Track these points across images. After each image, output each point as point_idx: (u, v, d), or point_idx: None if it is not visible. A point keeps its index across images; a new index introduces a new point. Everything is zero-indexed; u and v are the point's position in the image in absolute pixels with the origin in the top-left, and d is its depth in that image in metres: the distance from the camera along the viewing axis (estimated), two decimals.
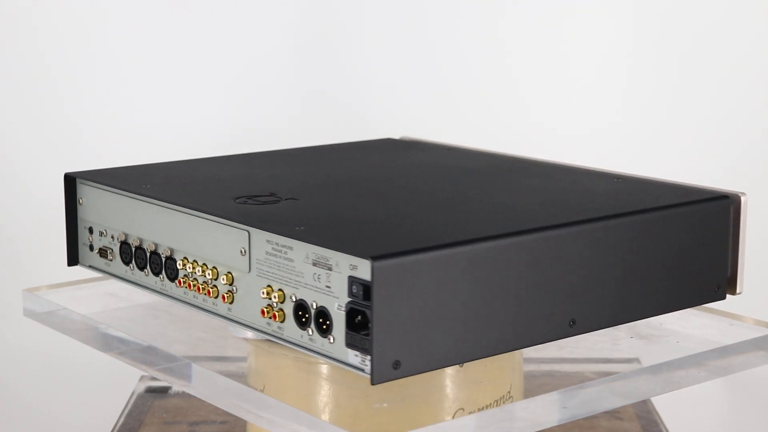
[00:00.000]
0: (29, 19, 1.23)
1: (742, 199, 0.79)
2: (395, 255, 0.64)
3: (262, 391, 0.76)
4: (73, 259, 0.85)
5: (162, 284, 0.78)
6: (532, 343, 0.71)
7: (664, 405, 1.05)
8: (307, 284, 0.68)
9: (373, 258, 0.63)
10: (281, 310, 0.70)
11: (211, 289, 0.74)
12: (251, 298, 0.72)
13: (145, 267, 0.79)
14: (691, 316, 0.86)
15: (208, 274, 0.74)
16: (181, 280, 0.76)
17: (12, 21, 1.22)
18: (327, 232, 0.69)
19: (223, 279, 0.73)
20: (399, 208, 0.75)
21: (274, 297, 0.70)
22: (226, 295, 0.73)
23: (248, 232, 0.71)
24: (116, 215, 0.81)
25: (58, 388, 1.28)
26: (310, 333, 0.68)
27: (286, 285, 0.69)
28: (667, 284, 0.76)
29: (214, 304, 0.75)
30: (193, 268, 0.75)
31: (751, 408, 1.33)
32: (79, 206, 0.85)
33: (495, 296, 0.68)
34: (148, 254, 0.79)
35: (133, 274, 0.80)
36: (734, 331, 0.83)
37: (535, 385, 0.86)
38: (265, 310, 0.70)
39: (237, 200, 0.76)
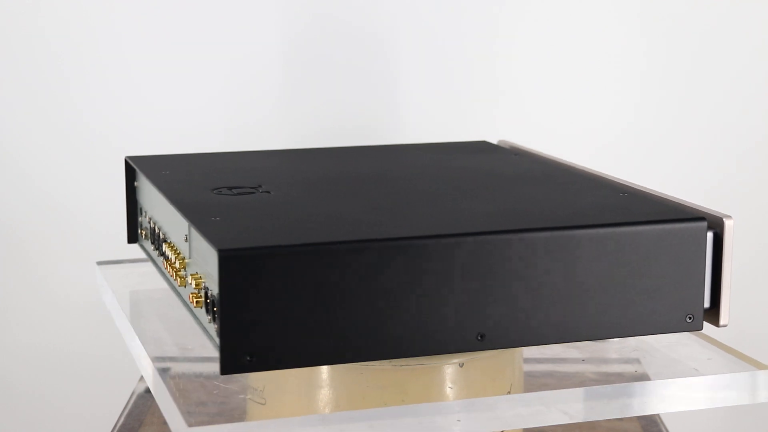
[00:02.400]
0: (35, 14, 1.23)
1: (726, 223, 0.72)
2: (249, 249, 0.65)
3: (262, 391, 0.77)
4: (132, 238, 0.91)
5: (163, 269, 0.82)
6: (425, 352, 0.69)
7: None
8: (209, 273, 0.70)
9: (221, 250, 0.64)
10: (200, 296, 0.72)
11: (178, 276, 0.78)
12: (189, 285, 0.74)
13: (159, 250, 0.84)
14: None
15: (178, 262, 0.78)
16: (167, 265, 0.80)
17: (17, 15, 1.23)
18: (224, 224, 0.70)
19: (178, 264, 0.77)
20: (353, 205, 0.75)
21: (197, 284, 0.72)
22: (180, 280, 0.77)
23: (188, 221, 0.74)
24: (147, 199, 0.87)
25: (59, 388, 1.29)
26: (210, 320, 0.70)
27: (203, 273, 0.71)
28: (618, 307, 0.71)
29: (178, 289, 0.78)
30: (171, 253, 0.79)
31: (751, 408, 1.28)
32: (136, 189, 0.91)
33: (372, 300, 0.67)
34: (160, 240, 0.83)
35: (156, 257, 0.85)
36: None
37: (535, 385, 0.84)
38: (192, 295, 0.73)
39: (214, 191, 0.79)
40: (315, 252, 0.66)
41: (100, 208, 1.24)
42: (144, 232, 0.88)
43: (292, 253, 0.65)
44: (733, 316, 1.26)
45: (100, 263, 0.97)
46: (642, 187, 0.81)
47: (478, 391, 0.76)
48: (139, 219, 0.90)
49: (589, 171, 0.87)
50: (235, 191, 0.79)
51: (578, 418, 0.73)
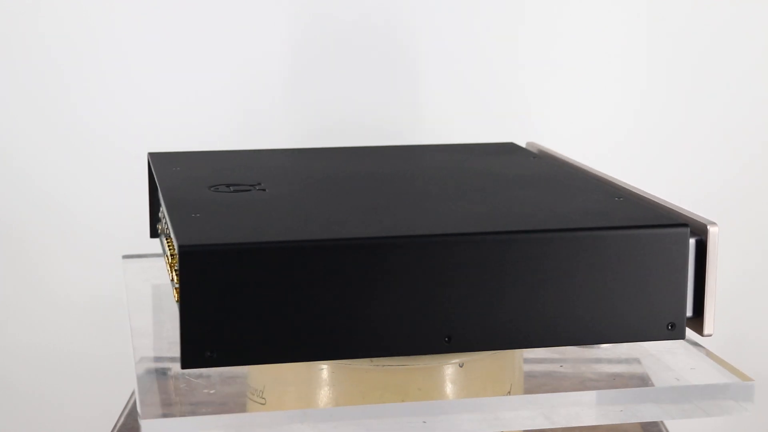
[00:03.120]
0: (34, 13, 1.23)
1: (711, 230, 0.70)
2: (210, 246, 0.65)
3: (261, 391, 0.77)
4: (153, 232, 0.93)
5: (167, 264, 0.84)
6: (389, 353, 0.68)
7: None
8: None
9: (181, 246, 0.65)
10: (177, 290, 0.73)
11: (173, 270, 0.79)
12: (173, 280, 0.75)
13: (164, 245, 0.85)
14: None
15: (171, 258, 0.78)
16: (167, 260, 0.81)
17: (16, 15, 1.23)
18: (199, 220, 0.71)
19: (171, 259, 0.78)
20: (345, 205, 0.76)
21: (177, 278, 0.73)
22: (174, 275, 0.77)
23: (168, 216, 0.74)
24: (159, 195, 0.88)
25: (59, 388, 1.29)
26: None
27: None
28: (594, 313, 0.70)
29: (171, 283, 0.79)
30: (168, 249, 0.80)
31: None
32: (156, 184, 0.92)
33: (333, 300, 0.67)
34: (165, 234, 0.84)
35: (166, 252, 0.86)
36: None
37: (534, 385, 0.83)
38: (175, 290, 0.74)
39: (211, 188, 0.80)
40: (275, 250, 0.66)
41: (101, 208, 1.24)
42: (160, 227, 0.90)
43: (252, 250, 0.66)
44: (737, 321, 1.26)
45: (125, 257, 0.99)
46: (644, 192, 0.79)
47: (478, 391, 0.76)
48: (159, 214, 0.91)
49: (599, 174, 0.85)
50: (232, 188, 0.80)
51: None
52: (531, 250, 0.69)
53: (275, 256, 0.66)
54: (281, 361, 0.67)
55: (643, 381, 0.79)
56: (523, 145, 0.99)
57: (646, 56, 1.25)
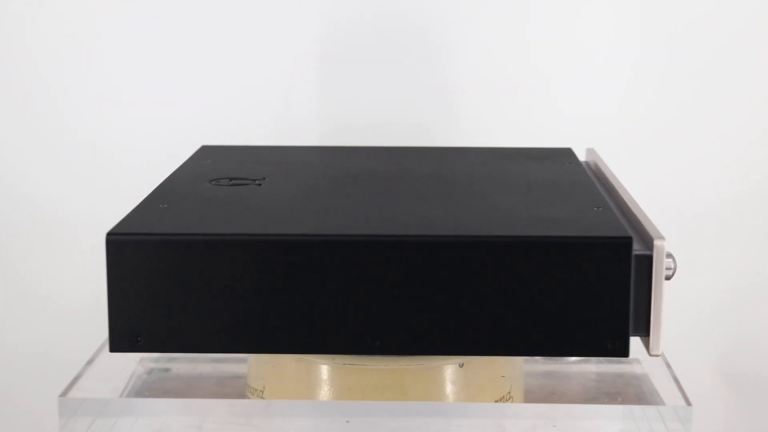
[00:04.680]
0: (35, 12, 1.21)
1: (657, 244, 0.67)
2: (132, 234, 0.68)
3: (261, 391, 0.78)
4: None
5: None
6: (314, 351, 0.69)
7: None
8: None
9: (108, 234, 0.68)
10: None
11: None
12: None
13: None
14: None
15: None
16: None
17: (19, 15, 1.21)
18: (157, 211, 0.73)
19: None
20: (328, 203, 0.77)
21: None
22: None
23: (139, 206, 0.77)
24: None
25: (58, 388, 1.29)
26: None
27: None
28: (528, 324, 0.68)
29: None
30: None
31: (751, 408, 1.23)
32: None
33: (255, 293, 0.68)
34: None
35: None
36: None
37: (534, 385, 0.81)
38: None
39: (211, 182, 0.82)
40: (194, 243, 0.68)
41: (86, 213, 1.23)
42: None
43: (173, 242, 0.68)
44: (737, 322, 1.21)
45: None
46: (635, 203, 0.76)
47: (478, 391, 0.75)
48: None
49: (618, 184, 0.82)
50: (231, 183, 0.82)
51: None
52: (463, 256, 0.67)
53: (195, 248, 0.68)
54: (205, 351, 0.69)
55: (643, 381, 0.77)
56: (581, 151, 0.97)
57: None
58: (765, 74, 1.21)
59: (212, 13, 1.22)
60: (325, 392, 0.75)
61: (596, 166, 0.90)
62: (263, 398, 0.77)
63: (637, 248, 0.67)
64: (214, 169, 0.86)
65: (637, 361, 0.79)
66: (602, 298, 0.67)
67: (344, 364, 0.74)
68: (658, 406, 0.71)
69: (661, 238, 0.67)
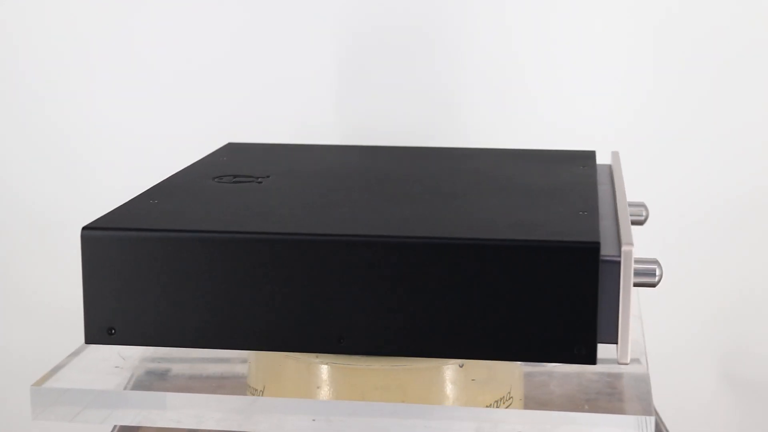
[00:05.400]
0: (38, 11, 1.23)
1: (624, 250, 0.65)
2: (105, 229, 0.69)
3: (261, 391, 0.79)
4: None
5: None
6: (288, 348, 0.69)
7: (664, 405, 0.97)
8: None
9: (83, 228, 0.70)
10: None
11: None
12: None
13: None
14: None
15: None
16: None
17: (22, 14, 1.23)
18: (146, 207, 0.75)
19: None
20: (318, 202, 0.77)
21: None
22: None
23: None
24: None
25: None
26: None
27: None
28: (494, 327, 0.67)
29: None
30: None
31: (751, 408, 1.22)
32: None
33: (223, 290, 0.69)
34: None
35: None
36: None
37: (534, 385, 0.80)
38: None
39: (214, 179, 0.83)
40: (169, 240, 0.69)
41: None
42: None
43: (147, 238, 0.69)
44: (738, 323, 1.20)
45: None
46: (625, 207, 0.75)
47: (478, 391, 0.75)
48: None
49: (619, 190, 0.81)
50: (233, 180, 0.83)
51: None
52: (426, 258, 0.67)
53: (166, 245, 0.69)
54: (176, 345, 0.70)
55: (644, 382, 0.76)
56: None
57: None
58: None
59: (239, 24, 1.25)
60: (325, 392, 0.75)
61: (612, 169, 0.89)
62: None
63: (605, 254, 0.66)
64: (227, 166, 0.87)
65: (637, 361, 0.78)
66: (569, 304, 0.66)
67: (344, 365, 0.74)
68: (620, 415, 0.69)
69: (629, 244, 0.65)
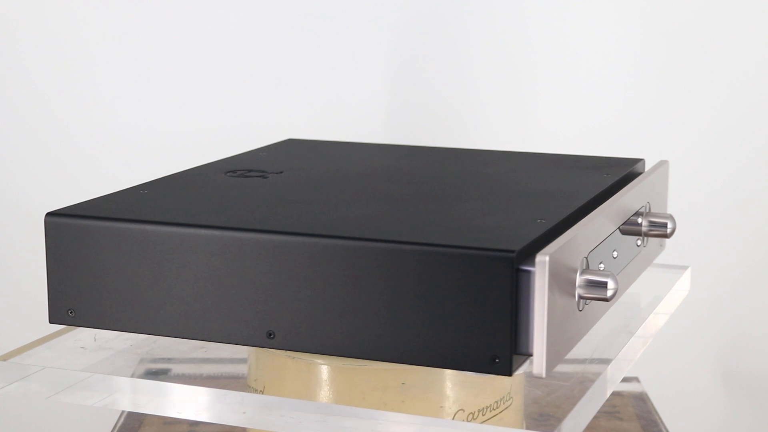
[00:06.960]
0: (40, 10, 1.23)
1: (538, 259, 0.64)
2: (66, 216, 0.73)
3: (261, 392, 0.80)
4: None
5: None
6: (223, 340, 0.71)
7: (664, 405, 1.01)
8: None
9: (47, 214, 0.74)
10: None
11: None
12: None
13: None
14: None
15: None
16: None
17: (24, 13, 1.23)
18: (132, 196, 0.78)
19: None
20: (313, 201, 0.78)
21: None
22: None
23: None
24: None
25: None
26: None
27: None
28: (411, 332, 0.67)
29: None
30: None
31: (751, 408, 1.25)
32: None
33: (170, 279, 0.71)
34: None
35: None
36: None
37: (534, 385, 0.78)
38: None
39: (227, 173, 0.86)
40: (123, 231, 0.72)
41: None
42: None
43: (105, 228, 0.73)
44: (737, 321, 1.19)
45: None
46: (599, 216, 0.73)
47: (479, 391, 0.76)
48: None
49: (614, 198, 0.78)
50: (244, 174, 0.85)
51: None
52: (349, 259, 0.68)
53: (121, 235, 0.72)
54: (130, 330, 0.73)
55: (642, 401, 0.73)
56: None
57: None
58: None
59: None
60: (324, 393, 0.76)
61: (625, 175, 0.86)
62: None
63: (523, 264, 0.65)
64: (259, 160, 0.89)
65: (636, 379, 0.75)
66: (485, 313, 0.65)
67: (344, 365, 0.75)
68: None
69: (545, 254, 0.63)
